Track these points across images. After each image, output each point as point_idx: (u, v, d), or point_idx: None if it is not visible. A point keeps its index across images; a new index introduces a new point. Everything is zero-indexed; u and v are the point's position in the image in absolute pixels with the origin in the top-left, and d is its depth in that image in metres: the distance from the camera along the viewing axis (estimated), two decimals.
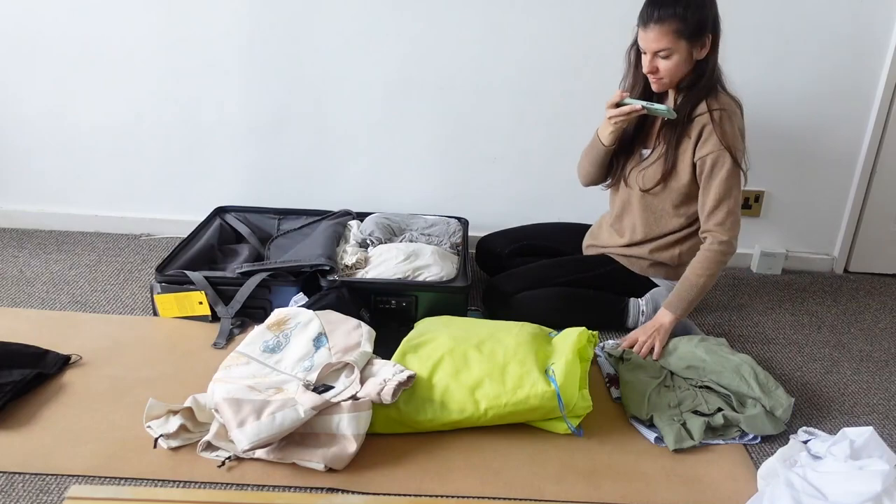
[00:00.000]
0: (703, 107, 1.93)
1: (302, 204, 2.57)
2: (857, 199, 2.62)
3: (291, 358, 1.70)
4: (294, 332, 1.76)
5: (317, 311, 1.81)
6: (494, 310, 2.09)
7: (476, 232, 2.44)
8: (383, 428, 1.60)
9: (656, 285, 2.14)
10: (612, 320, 2.13)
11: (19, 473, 1.46)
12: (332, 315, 1.82)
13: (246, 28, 2.44)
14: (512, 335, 1.78)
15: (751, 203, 2.64)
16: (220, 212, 2.51)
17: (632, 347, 1.94)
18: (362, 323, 1.81)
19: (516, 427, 1.67)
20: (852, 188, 2.61)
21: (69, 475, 1.46)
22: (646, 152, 2.05)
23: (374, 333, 1.80)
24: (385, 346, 1.77)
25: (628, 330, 2.10)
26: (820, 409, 1.86)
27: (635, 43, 1.95)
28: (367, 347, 1.74)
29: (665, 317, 1.96)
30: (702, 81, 1.92)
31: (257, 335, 1.76)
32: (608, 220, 2.20)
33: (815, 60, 2.45)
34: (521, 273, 2.13)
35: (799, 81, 2.48)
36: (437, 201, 2.55)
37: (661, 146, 2.01)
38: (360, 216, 2.48)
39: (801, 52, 2.44)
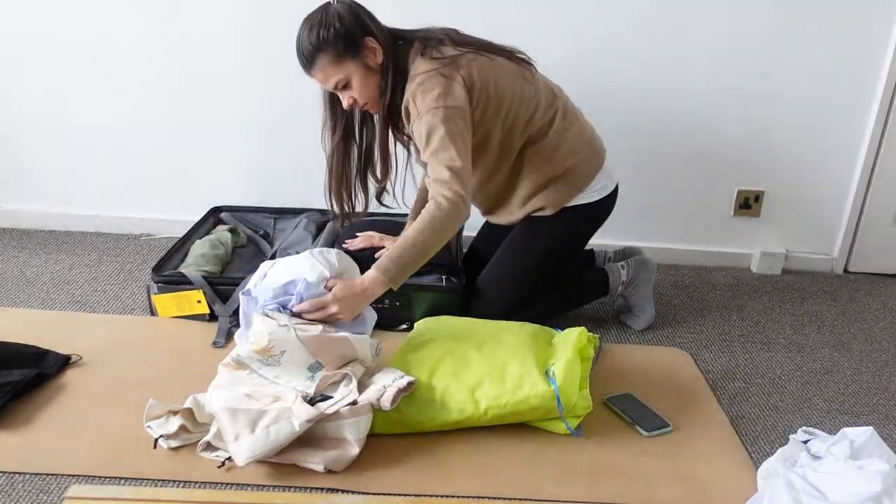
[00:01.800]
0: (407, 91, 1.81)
1: (302, 204, 2.57)
2: (857, 199, 2.62)
3: (288, 376, 1.64)
4: (283, 358, 1.64)
5: (298, 334, 1.62)
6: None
7: (473, 232, 2.44)
8: (383, 428, 1.60)
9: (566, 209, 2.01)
10: (594, 293, 2.17)
11: (19, 473, 1.46)
12: (312, 335, 1.63)
13: (245, 28, 2.44)
14: (512, 335, 1.78)
15: (751, 203, 2.64)
16: (215, 211, 2.52)
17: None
18: (349, 335, 1.66)
19: (516, 427, 1.67)
20: (852, 188, 2.61)
21: (69, 475, 1.46)
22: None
23: (367, 338, 1.71)
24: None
25: (613, 298, 2.19)
26: (820, 409, 1.86)
27: (323, 90, 1.90)
28: (365, 354, 1.69)
29: (367, 283, 1.71)
30: (392, 77, 1.81)
31: (250, 356, 1.65)
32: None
33: (815, 60, 2.45)
34: (495, 299, 2.04)
35: (799, 81, 2.48)
36: None
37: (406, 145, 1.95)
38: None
39: (801, 52, 2.45)
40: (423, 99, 1.75)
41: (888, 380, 2.02)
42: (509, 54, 1.92)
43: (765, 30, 2.42)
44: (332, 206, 2.05)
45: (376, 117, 1.91)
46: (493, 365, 1.67)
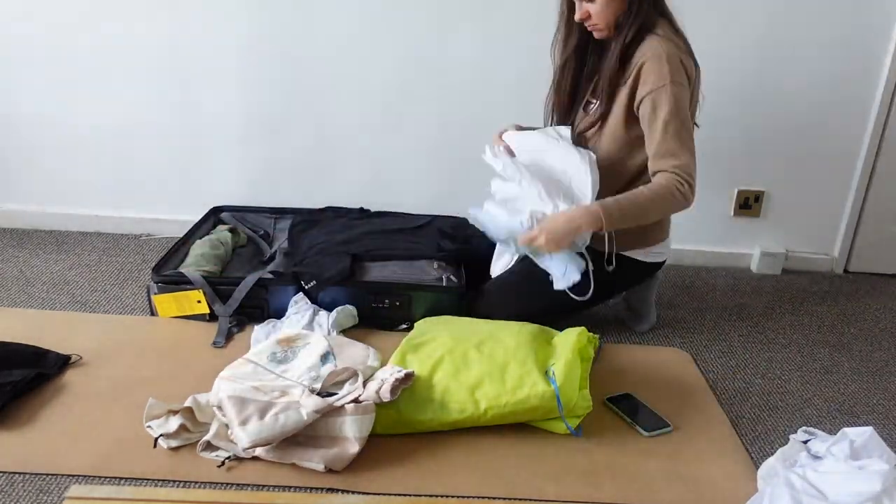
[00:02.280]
0: (639, 51, 1.80)
1: (302, 203, 2.57)
2: (857, 199, 2.62)
3: (298, 369, 1.70)
4: (302, 349, 1.76)
5: (327, 336, 1.80)
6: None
7: None
8: (384, 429, 1.60)
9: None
10: (598, 298, 2.09)
11: (19, 473, 1.46)
12: (342, 339, 1.82)
13: (245, 29, 2.44)
14: (512, 335, 1.78)
15: (751, 203, 2.64)
16: (216, 211, 2.52)
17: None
18: (370, 347, 1.80)
19: (516, 427, 1.67)
20: (852, 188, 2.61)
21: (69, 475, 1.46)
22: (591, 105, 1.95)
23: (380, 355, 1.78)
24: (378, 347, 1.77)
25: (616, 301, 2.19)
26: (820, 410, 1.86)
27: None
28: (374, 363, 1.75)
29: (583, 217, 1.74)
30: (637, 19, 1.78)
31: (266, 346, 1.76)
32: None
33: (815, 60, 2.45)
34: (502, 302, 2.01)
35: (799, 81, 2.48)
36: (436, 201, 2.54)
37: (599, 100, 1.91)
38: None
39: (801, 52, 2.45)
40: (663, 67, 1.73)
41: (888, 380, 2.02)
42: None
43: (765, 30, 2.42)
44: (552, 119, 2.02)
45: (612, 46, 1.84)
46: (492, 365, 1.67)
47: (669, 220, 2.05)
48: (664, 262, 2.10)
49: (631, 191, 1.79)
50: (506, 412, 1.61)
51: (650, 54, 1.77)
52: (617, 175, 1.92)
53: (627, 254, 1.97)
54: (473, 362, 1.68)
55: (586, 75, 1.98)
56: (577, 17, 1.82)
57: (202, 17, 2.43)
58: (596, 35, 1.87)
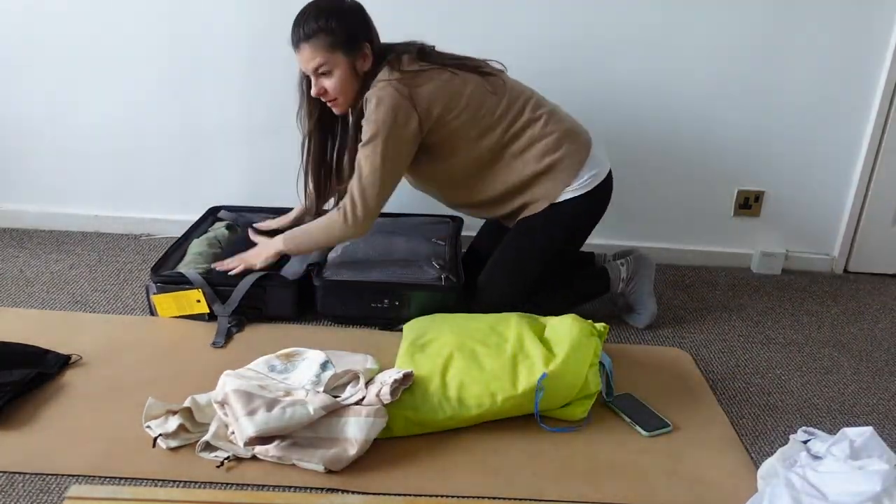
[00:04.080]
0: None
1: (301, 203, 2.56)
2: (856, 199, 2.62)
3: (299, 376, 1.71)
4: (301, 362, 1.77)
5: (327, 351, 1.81)
6: None
7: (473, 232, 2.44)
8: (402, 431, 1.61)
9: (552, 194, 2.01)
10: (595, 291, 2.19)
11: (19, 473, 1.46)
12: (338, 351, 1.83)
13: (245, 29, 2.44)
14: (511, 328, 1.80)
15: (751, 203, 2.64)
16: (213, 211, 2.52)
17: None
18: (367, 354, 1.83)
19: (516, 427, 1.67)
20: (852, 188, 2.61)
21: (69, 475, 1.46)
22: None
23: (378, 360, 1.81)
24: (378, 346, 1.77)
25: (614, 297, 2.21)
26: (820, 409, 1.86)
27: (303, 72, 1.95)
28: (373, 367, 1.77)
29: (274, 244, 2.04)
30: (367, 85, 1.89)
31: (265, 359, 1.76)
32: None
33: (816, 60, 2.45)
34: (495, 297, 2.05)
35: (799, 81, 2.48)
36: (435, 202, 2.54)
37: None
38: None
39: (802, 52, 2.45)
40: (377, 108, 1.84)
41: (888, 380, 2.02)
42: (476, 67, 1.97)
43: (765, 30, 2.42)
44: (306, 189, 2.15)
45: (348, 121, 1.99)
46: (502, 358, 1.69)
47: (579, 143, 2.02)
48: (608, 180, 2.07)
49: (307, 224, 2.06)
50: (523, 401, 1.64)
51: (366, 95, 1.87)
52: (456, 184, 2.05)
53: (562, 198, 1.99)
54: (483, 357, 1.71)
55: (338, 142, 2.10)
56: (313, 92, 1.90)
57: (202, 17, 2.43)
58: (336, 111, 1.96)
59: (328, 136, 2.08)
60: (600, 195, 2.06)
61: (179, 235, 2.36)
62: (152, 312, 2.08)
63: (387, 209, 2.52)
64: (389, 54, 1.90)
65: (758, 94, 2.49)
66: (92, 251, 2.52)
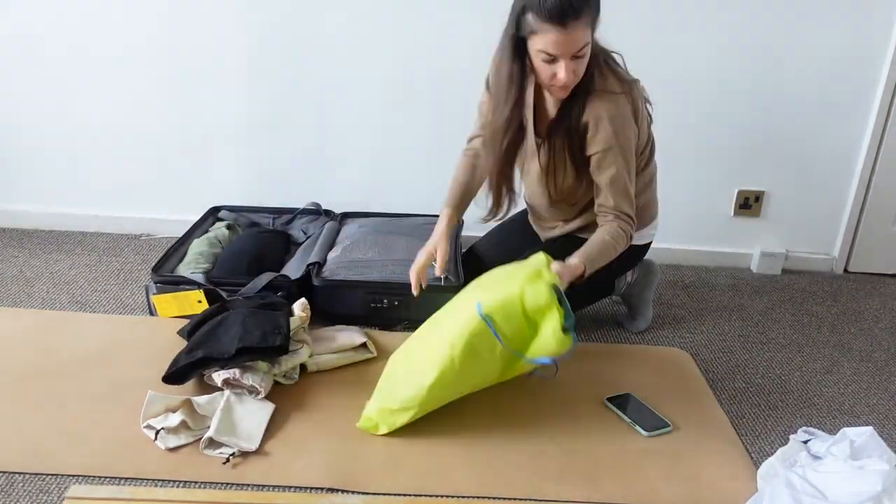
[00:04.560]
0: (588, 104, 1.73)
1: (302, 203, 2.57)
2: (856, 199, 2.62)
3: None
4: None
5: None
6: None
7: (473, 232, 2.44)
8: (388, 424, 1.61)
9: None
10: (599, 293, 2.18)
11: (19, 473, 1.46)
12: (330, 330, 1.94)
13: (245, 29, 2.44)
14: (453, 316, 1.69)
15: (751, 203, 2.64)
16: (214, 211, 2.52)
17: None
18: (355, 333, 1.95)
19: (516, 427, 1.67)
20: (852, 188, 2.61)
21: (69, 475, 1.46)
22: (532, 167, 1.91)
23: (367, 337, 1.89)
24: (377, 348, 1.76)
25: (616, 299, 2.22)
26: (820, 409, 1.86)
27: (516, 58, 1.71)
28: (361, 339, 1.91)
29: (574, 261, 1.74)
30: (587, 76, 1.69)
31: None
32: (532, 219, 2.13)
33: (816, 60, 2.45)
34: None
35: (799, 81, 2.48)
36: (435, 201, 2.54)
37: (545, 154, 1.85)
38: (359, 216, 2.50)
39: (802, 53, 2.44)
40: (617, 121, 1.72)
41: (888, 380, 2.02)
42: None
43: (765, 30, 2.42)
44: (493, 193, 1.92)
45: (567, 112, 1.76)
46: (434, 335, 1.67)
47: (656, 198, 2.07)
48: (651, 243, 2.11)
49: (597, 240, 1.81)
50: (481, 340, 1.57)
51: (600, 111, 1.72)
52: (570, 204, 1.96)
53: None
54: (424, 331, 1.72)
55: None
56: (564, 77, 1.63)
57: (203, 17, 2.43)
58: (562, 95, 1.73)
59: (520, 139, 1.89)
60: (639, 254, 2.07)
61: (179, 235, 2.36)
62: (152, 312, 2.08)
63: (387, 209, 2.55)
64: (599, 53, 1.74)
65: (758, 94, 2.49)
66: (92, 251, 2.52)
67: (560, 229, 2.04)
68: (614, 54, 1.81)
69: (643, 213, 1.97)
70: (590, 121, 1.75)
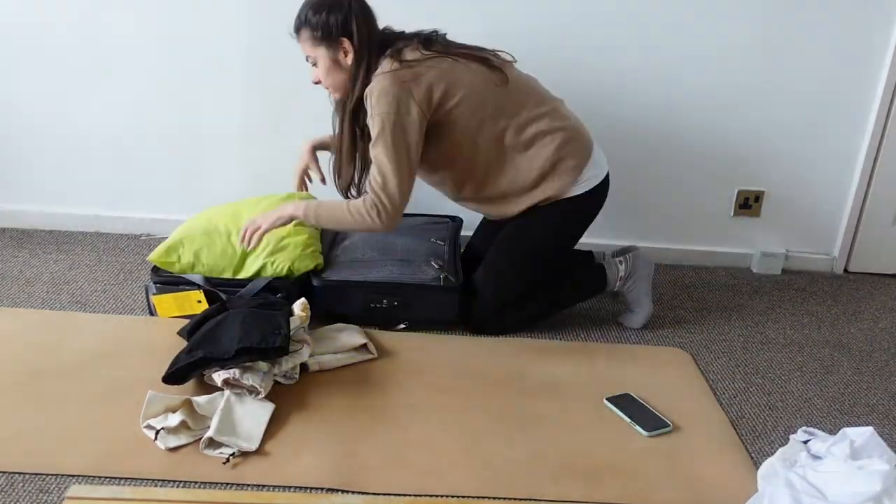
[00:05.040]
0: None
1: None
2: (857, 199, 2.62)
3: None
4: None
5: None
6: (482, 324, 2.10)
7: (471, 232, 2.44)
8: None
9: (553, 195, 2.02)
10: (593, 288, 2.19)
11: (19, 473, 1.46)
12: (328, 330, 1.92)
13: (246, 29, 2.44)
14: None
15: (751, 203, 2.64)
16: None
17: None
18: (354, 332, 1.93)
19: (516, 427, 1.67)
20: (852, 188, 2.61)
21: (69, 475, 1.46)
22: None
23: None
24: (377, 347, 1.76)
25: (612, 295, 2.25)
26: (820, 409, 1.86)
27: None
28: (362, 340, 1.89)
29: (290, 209, 2.00)
30: (358, 83, 1.92)
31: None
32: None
33: (816, 60, 2.45)
34: (491, 295, 2.06)
35: (799, 81, 2.48)
36: (435, 202, 2.54)
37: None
38: None
39: (802, 52, 2.44)
40: (378, 101, 1.86)
41: (888, 380, 2.02)
42: (483, 58, 1.97)
43: (765, 30, 2.42)
44: (335, 179, 2.12)
45: (342, 108, 2.01)
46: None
47: (583, 141, 2.04)
48: (605, 183, 2.08)
49: (336, 201, 1.99)
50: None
51: (367, 91, 1.89)
52: (461, 177, 2.04)
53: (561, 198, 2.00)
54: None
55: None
56: (312, 79, 1.99)
57: (202, 17, 2.42)
58: (333, 96, 2.03)
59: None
60: (597, 196, 2.06)
61: None
62: (152, 313, 2.08)
63: None
64: (392, 45, 1.93)
65: (758, 94, 2.49)
66: (92, 251, 2.52)
67: (507, 208, 2.06)
68: (423, 34, 1.98)
69: (561, 164, 1.98)
70: (364, 99, 1.91)
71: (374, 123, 1.87)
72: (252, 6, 2.42)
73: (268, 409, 1.65)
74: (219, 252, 2.08)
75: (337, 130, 2.05)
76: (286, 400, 1.71)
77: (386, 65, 1.89)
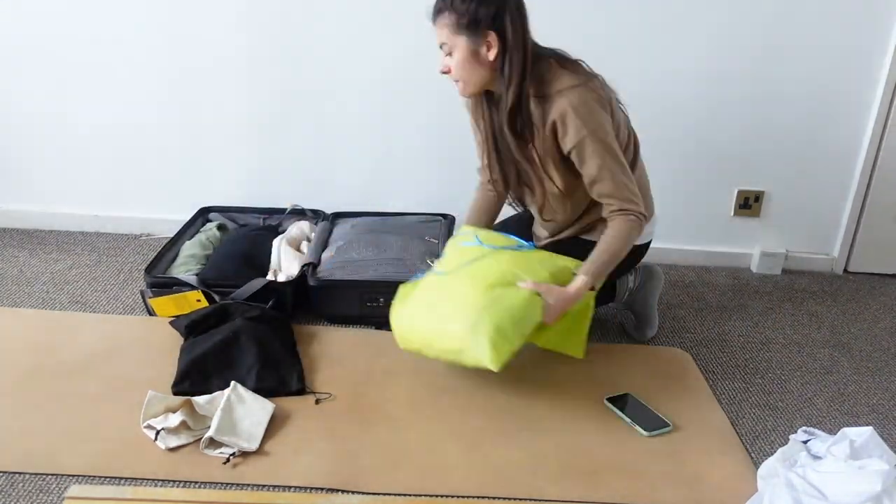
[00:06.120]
0: (548, 105, 1.78)
1: (300, 205, 2.57)
2: (857, 199, 2.62)
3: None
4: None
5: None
6: None
7: None
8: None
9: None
10: (601, 299, 2.10)
11: (19, 473, 1.46)
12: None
13: (244, 29, 2.44)
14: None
15: (751, 203, 2.64)
16: (204, 212, 2.52)
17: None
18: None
19: (516, 427, 1.67)
20: (852, 188, 2.61)
21: (69, 475, 1.46)
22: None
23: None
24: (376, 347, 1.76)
25: (619, 306, 2.20)
26: (820, 409, 1.86)
27: None
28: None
29: (575, 288, 1.78)
30: (511, 86, 1.76)
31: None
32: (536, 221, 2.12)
33: (816, 60, 2.45)
34: None
35: (799, 81, 2.48)
36: (434, 202, 2.55)
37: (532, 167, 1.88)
38: (351, 216, 2.51)
39: (802, 52, 2.44)
40: (576, 116, 1.73)
41: (888, 380, 2.02)
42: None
43: (765, 29, 2.42)
44: (490, 180, 2.01)
45: (496, 110, 1.85)
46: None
47: (651, 197, 2.05)
48: (650, 242, 2.09)
49: (602, 247, 1.81)
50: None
51: (564, 107, 1.75)
52: (575, 204, 1.94)
53: None
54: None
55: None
56: (440, 68, 1.82)
57: (201, 17, 2.43)
58: (459, 91, 1.85)
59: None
60: (640, 253, 2.05)
61: None
62: (150, 314, 2.08)
63: (380, 208, 2.54)
64: (551, 57, 1.81)
65: (758, 93, 2.49)
66: (92, 251, 2.52)
67: (561, 233, 2.02)
68: (579, 61, 1.84)
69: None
70: (556, 119, 1.77)
71: (576, 137, 1.75)
72: (252, 7, 2.42)
73: (268, 409, 1.65)
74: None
75: (487, 132, 1.89)
76: (286, 400, 1.71)
77: (570, 79, 1.76)
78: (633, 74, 2.47)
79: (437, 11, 1.77)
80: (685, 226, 2.68)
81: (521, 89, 1.76)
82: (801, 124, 2.54)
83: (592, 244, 1.84)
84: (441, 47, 1.80)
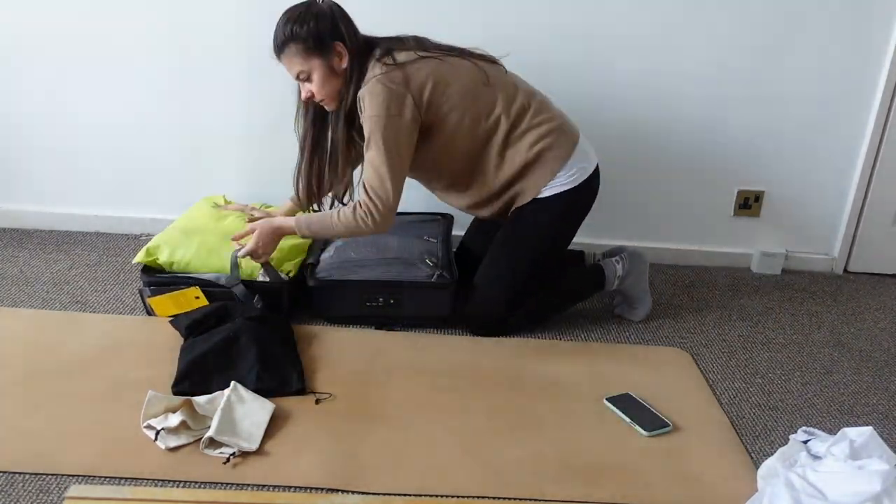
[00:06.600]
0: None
1: None
2: (856, 199, 2.62)
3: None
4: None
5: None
6: (483, 326, 2.10)
7: (464, 230, 2.44)
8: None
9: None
10: (592, 288, 2.21)
11: (19, 473, 1.46)
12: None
13: (245, 30, 2.44)
14: None
15: (751, 203, 2.64)
16: None
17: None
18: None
19: (516, 427, 1.67)
20: (852, 188, 2.61)
21: (69, 475, 1.46)
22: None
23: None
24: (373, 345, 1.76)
25: (609, 293, 2.24)
26: (820, 409, 1.86)
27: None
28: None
29: (278, 222, 2.02)
30: (352, 84, 1.92)
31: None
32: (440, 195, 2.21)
33: (816, 60, 2.45)
34: (492, 296, 2.06)
35: (799, 81, 2.48)
36: (432, 201, 2.54)
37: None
38: None
39: (802, 52, 2.45)
40: (371, 103, 1.86)
41: (888, 380, 2.02)
42: (471, 58, 1.99)
43: (765, 30, 2.42)
44: (296, 190, 2.14)
45: (336, 116, 1.99)
46: None
47: (568, 133, 2.04)
48: (596, 175, 2.09)
49: (326, 212, 2.00)
50: None
51: (360, 94, 1.89)
52: (452, 175, 2.06)
53: (551, 193, 2.00)
54: None
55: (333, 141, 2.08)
56: (302, 97, 1.98)
57: (203, 18, 2.42)
58: (328, 108, 1.99)
59: (322, 134, 2.08)
60: (587, 190, 2.06)
61: None
62: (149, 314, 2.08)
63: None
64: (378, 47, 1.93)
65: (758, 94, 2.49)
66: (92, 251, 2.52)
67: (492, 205, 2.08)
68: (409, 37, 1.99)
69: (544, 155, 1.99)
70: (358, 102, 1.90)
71: (367, 126, 1.88)
72: (252, 7, 2.41)
73: (268, 409, 1.65)
74: (197, 250, 2.10)
75: (332, 140, 2.03)
76: (286, 400, 1.71)
77: (377, 67, 1.90)
78: (634, 75, 2.48)
79: (281, 46, 1.91)
80: (685, 226, 2.68)
81: (358, 86, 1.90)
82: (801, 124, 2.54)
83: (529, 208, 2.00)
84: (297, 77, 1.94)
